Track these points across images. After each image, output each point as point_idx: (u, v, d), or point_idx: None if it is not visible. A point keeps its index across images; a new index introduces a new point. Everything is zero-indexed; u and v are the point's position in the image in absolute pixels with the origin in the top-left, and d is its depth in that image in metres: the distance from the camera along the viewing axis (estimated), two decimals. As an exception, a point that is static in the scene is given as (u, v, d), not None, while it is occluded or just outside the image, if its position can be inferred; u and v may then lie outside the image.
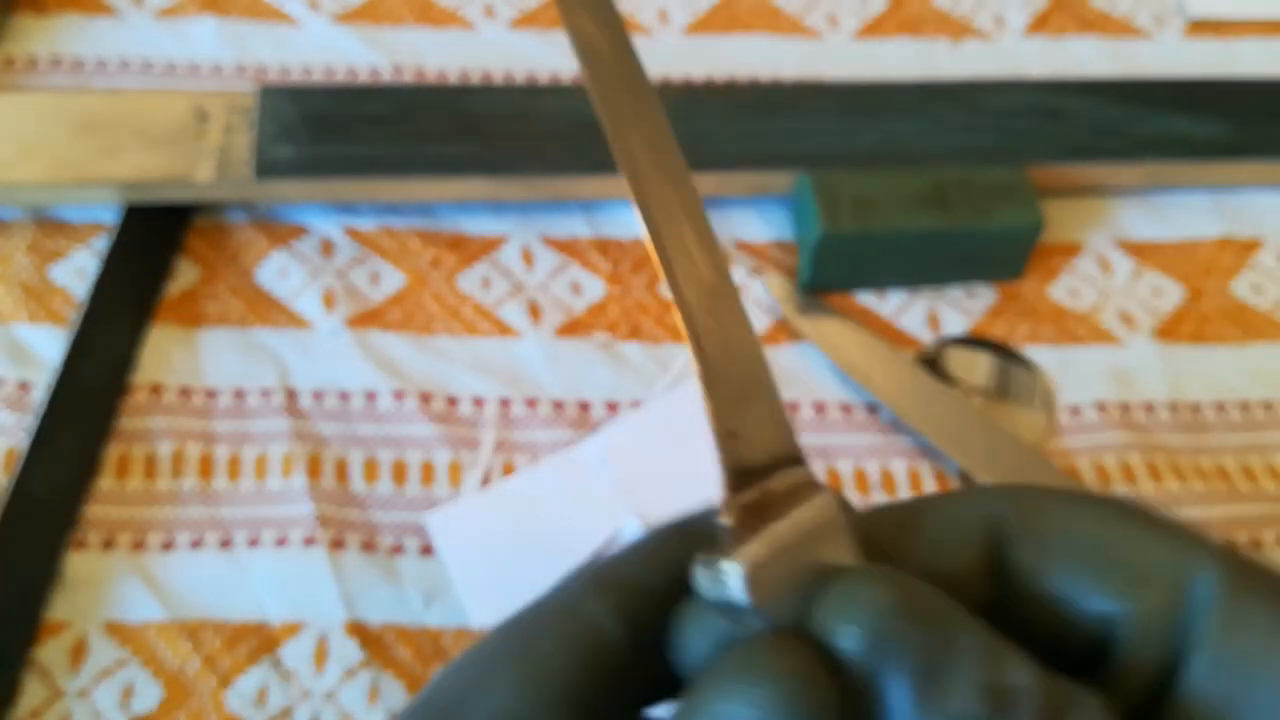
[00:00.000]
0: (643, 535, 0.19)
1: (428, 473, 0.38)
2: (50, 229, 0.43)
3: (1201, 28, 0.54)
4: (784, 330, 0.42)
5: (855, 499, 0.38)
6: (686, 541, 0.19)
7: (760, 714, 0.15)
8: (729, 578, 0.17)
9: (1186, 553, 0.17)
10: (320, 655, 0.34)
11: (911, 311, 0.43)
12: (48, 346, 0.40)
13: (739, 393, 0.18)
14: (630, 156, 0.20)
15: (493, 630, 0.18)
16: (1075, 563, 0.17)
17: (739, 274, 0.43)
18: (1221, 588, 0.17)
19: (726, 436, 0.18)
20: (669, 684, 0.18)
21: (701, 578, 0.17)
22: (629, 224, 0.44)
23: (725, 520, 0.17)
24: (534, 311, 0.42)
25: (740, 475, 0.18)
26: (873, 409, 0.40)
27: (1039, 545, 0.18)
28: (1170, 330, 0.43)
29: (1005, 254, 0.43)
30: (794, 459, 0.18)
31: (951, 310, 0.43)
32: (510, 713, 0.17)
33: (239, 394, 0.39)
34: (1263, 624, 0.16)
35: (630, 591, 0.18)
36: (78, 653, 0.33)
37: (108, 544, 0.36)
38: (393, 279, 0.43)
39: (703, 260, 0.19)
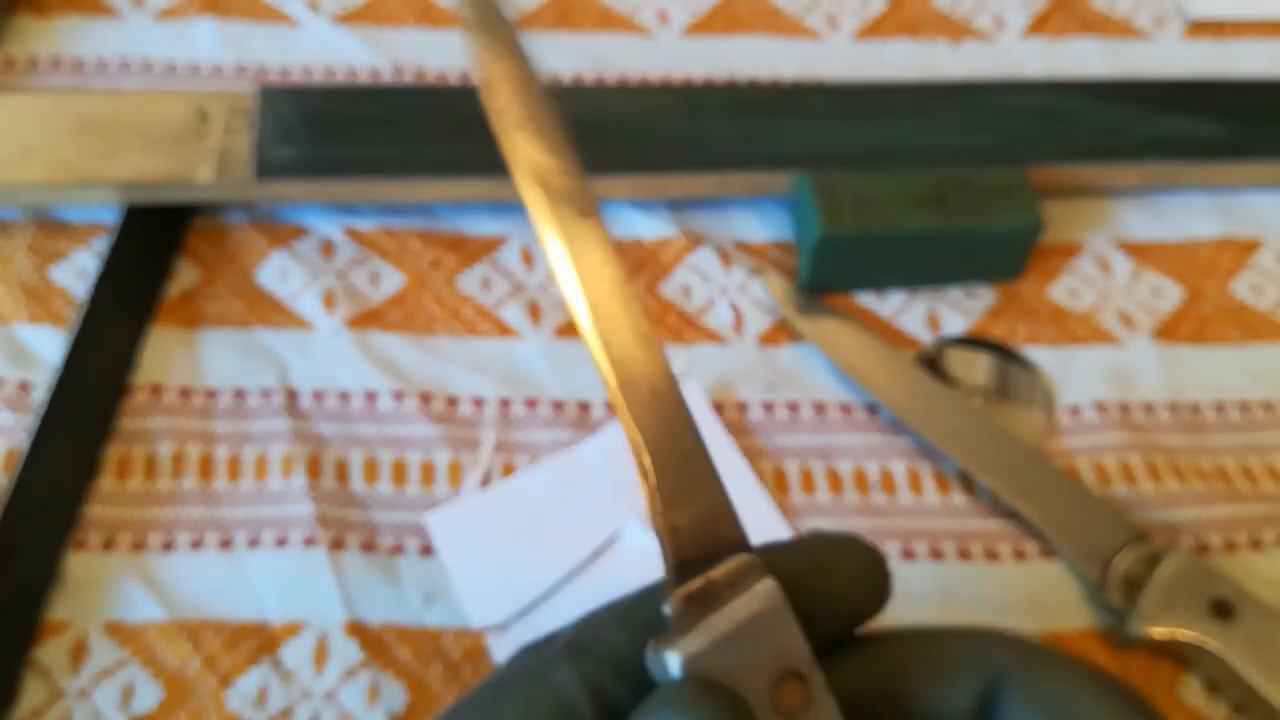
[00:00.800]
0: (616, 600, 0.20)
1: (428, 473, 0.38)
2: (50, 229, 0.43)
3: (1201, 28, 0.54)
4: (784, 330, 0.42)
5: (855, 499, 0.38)
6: (647, 606, 0.19)
7: None
8: (670, 666, 0.18)
9: None
10: (320, 655, 0.34)
11: (911, 312, 0.43)
12: (48, 347, 0.40)
13: (682, 488, 0.19)
14: (577, 270, 0.20)
15: (467, 694, 0.19)
16: None
17: (739, 274, 0.43)
18: None
19: (670, 532, 0.19)
20: None
21: (650, 663, 0.18)
22: (628, 224, 0.44)
23: (669, 610, 0.18)
24: (534, 312, 0.42)
25: (685, 567, 0.19)
26: (873, 409, 0.40)
27: (1034, 705, 0.18)
28: (1170, 330, 0.43)
29: (1005, 254, 0.43)
30: (738, 547, 0.19)
31: (951, 310, 0.43)
32: None
33: (239, 394, 0.39)
34: None
35: (599, 660, 0.18)
36: (78, 653, 0.33)
37: (108, 544, 0.36)
38: (393, 279, 0.43)
39: (644, 358, 0.20)
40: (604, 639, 0.19)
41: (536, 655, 0.19)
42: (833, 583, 0.20)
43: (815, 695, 0.18)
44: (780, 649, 0.18)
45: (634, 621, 0.19)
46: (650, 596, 0.20)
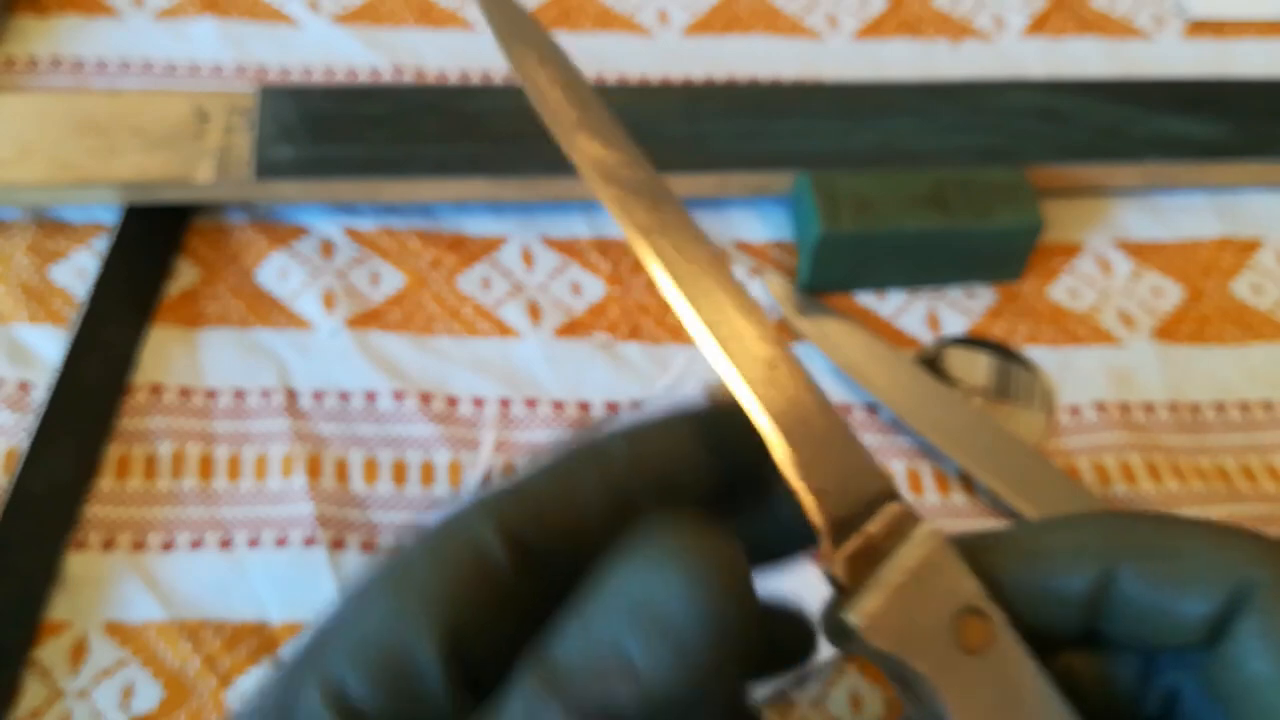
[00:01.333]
0: (535, 457, 0.19)
1: (428, 473, 0.38)
2: (50, 229, 0.43)
3: (1201, 28, 0.54)
4: (784, 330, 0.42)
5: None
6: (579, 461, 0.19)
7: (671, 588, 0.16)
8: (850, 630, 0.17)
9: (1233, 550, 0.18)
10: (320, 655, 0.34)
11: (911, 311, 0.43)
12: (48, 346, 0.40)
13: (818, 451, 0.19)
14: (668, 263, 0.20)
15: (383, 555, 0.18)
16: (1178, 579, 0.18)
17: (739, 274, 0.43)
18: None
19: (819, 495, 0.18)
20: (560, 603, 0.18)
21: (828, 631, 0.18)
22: (629, 224, 0.44)
23: (837, 576, 0.18)
24: (534, 312, 0.42)
25: (839, 528, 0.18)
26: (873, 409, 0.40)
27: (1146, 571, 0.18)
28: (1170, 330, 0.43)
29: (1005, 254, 0.43)
30: (887, 495, 0.18)
31: (951, 310, 0.43)
32: (380, 634, 0.17)
33: (239, 394, 0.39)
34: None
35: (519, 512, 0.18)
36: (78, 653, 0.33)
37: (108, 544, 0.36)
38: (393, 279, 0.43)
39: (753, 336, 0.19)
40: (521, 488, 0.19)
41: (450, 515, 0.19)
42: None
43: (998, 631, 0.18)
44: (953, 589, 0.18)
45: (556, 470, 0.19)
46: (562, 457, 0.19)
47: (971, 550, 0.19)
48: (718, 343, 0.19)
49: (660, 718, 0.16)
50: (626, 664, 0.16)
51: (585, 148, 0.20)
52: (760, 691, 0.33)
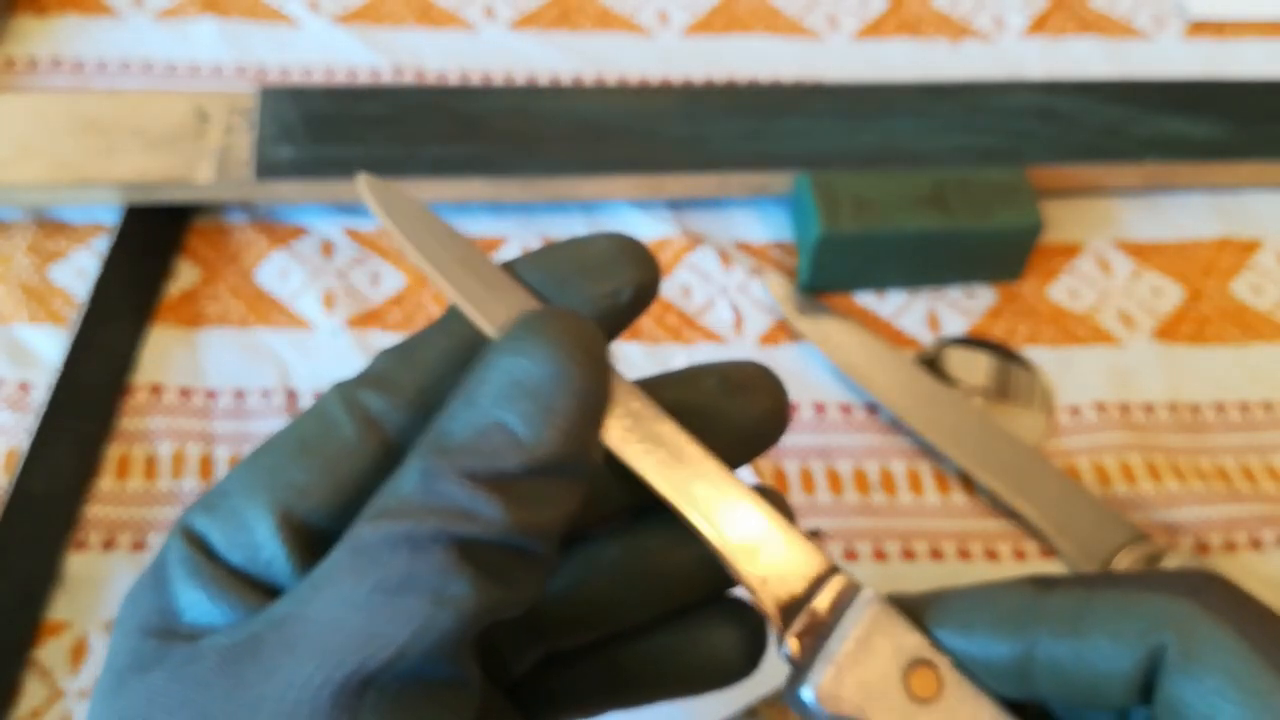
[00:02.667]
0: (404, 339, 0.21)
1: (428, 473, 0.38)
2: (50, 229, 0.43)
3: (1201, 28, 0.54)
4: (784, 330, 0.42)
5: (855, 499, 0.38)
6: (423, 333, 0.21)
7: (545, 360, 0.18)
8: (807, 703, 0.19)
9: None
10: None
11: (911, 312, 0.43)
12: (48, 346, 0.40)
13: (756, 547, 0.20)
14: (680, 493, 0.20)
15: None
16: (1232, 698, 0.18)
17: (739, 274, 0.43)
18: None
19: (760, 585, 0.20)
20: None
21: (791, 705, 0.20)
22: (629, 224, 0.44)
23: (791, 655, 0.19)
24: (534, 312, 0.42)
25: (786, 610, 0.20)
26: (872, 409, 0.40)
27: (1197, 689, 0.18)
28: (1170, 331, 0.43)
29: (1005, 254, 0.43)
30: (826, 572, 0.20)
31: (951, 311, 0.43)
32: (226, 493, 0.19)
33: (239, 394, 0.39)
34: None
35: (360, 381, 0.20)
36: (78, 653, 0.33)
37: (108, 544, 0.36)
38: (393, 279, 0.43)
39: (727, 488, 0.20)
40: (373, 368, 0.21)
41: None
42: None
43: (946, 677, 0.19)
44: (898, 646, 0.19)
45: (402, 344, 0.21)
46: (426, 337, 0.21)
47: (909, 610, 0.20)
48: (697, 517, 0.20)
49: (543, 478, 0.18)
50: (509, 433, 0.18)
51: (496, 316, 0.21)
52: (760, 693, 0.33)
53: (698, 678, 0.22)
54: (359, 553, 0.17)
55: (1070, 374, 0.41)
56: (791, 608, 0.20)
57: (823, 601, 0.20)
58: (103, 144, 0.42)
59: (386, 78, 0.49)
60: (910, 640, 0.19)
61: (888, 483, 0.38)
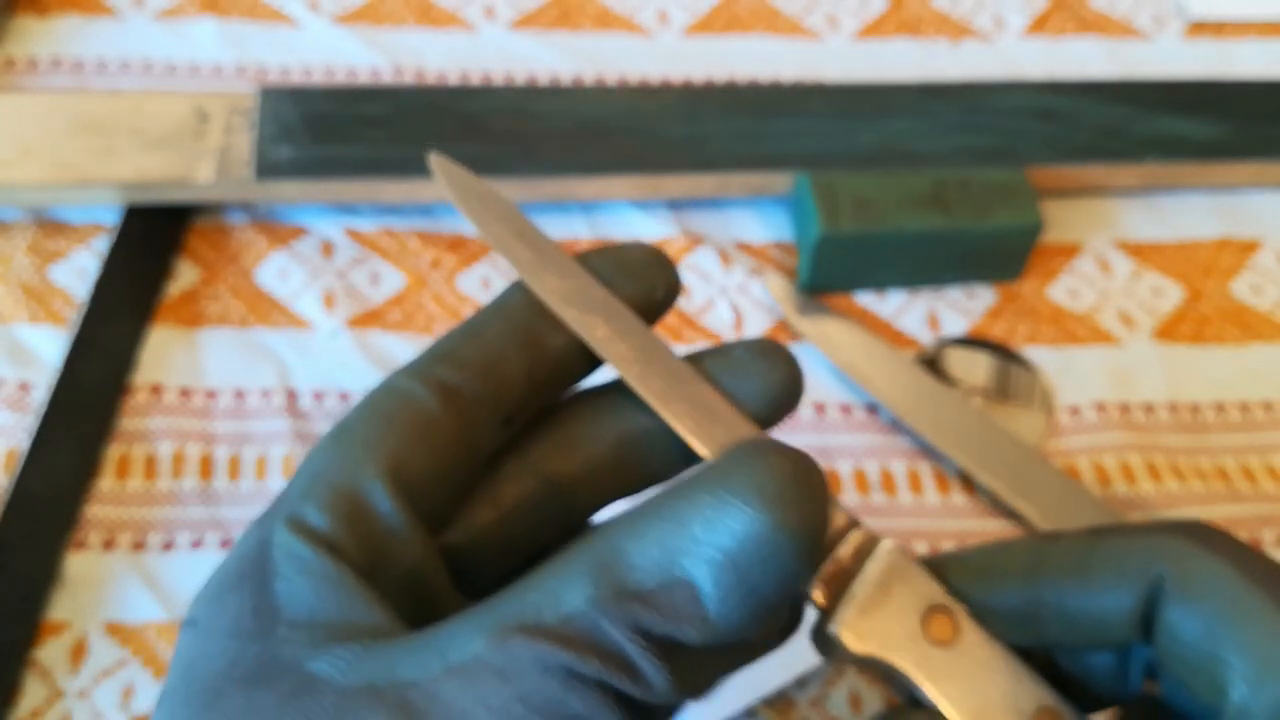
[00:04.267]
0: (470, 319, 0.22)
1: (428, 473, 0.38)
2: (50, 229, 0.43)
3: (1201, 28, 0.54)
4: (784, 330, 0.42)
5: (855, 499, 0.38)
6: (481, 314, 0.22)
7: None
8: (835, 643, 0.20)
9: None
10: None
11: (911, 312, 0.43)
12: (48, 347, 0.40)
13: None
14: (635, 363, 0.22)
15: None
16: (1225, 648, 0.19)
17: (739, 274, 0.43)
18: None
19: None
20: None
21: (817, 645, 0.21)
22: (629, 224, 0.44)
23: (816, 599, 0.20)
24: (534, 312, 0.42)
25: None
26: (872, 409, 0.40)
27: (1194, 614, 0.19)
28: (1170, 331, 0.43)
29: (1005, 254, 0.43)
30: (850, 524, 0.21)
31: (951, 311, 0.43)
32: (328, 473, 0.19)
33: (239, 394, 0.39)
34: None
35: (434, 360, 0.20)
36: (78, 653, 0.33)
37: (108, 544, 0.36)
38: (393, 279, 0.43)
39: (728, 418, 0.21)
40: (433, 346, 0.21)
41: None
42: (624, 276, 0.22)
43: (961, 623, 0.21)
44: (916, 592, 0.21)
45: (462, 326, 0.21)
46: (492, 316, 0.22)
47: (929, 565, 0.21)
48: (690, 432, 0.21)
49: (716, 652, 0.17)
50: (697, 599, 0.17)
51: (548, 283, 0.22)
52: (760, 692, 0.33)
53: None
54: (509, 660, 0.17)
55: (1070, 374, 0.41)
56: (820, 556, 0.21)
57: (845, 550, 0.21)
58: (103, 144, 0.42)
59: (386, 78, 0.49)
60: (928, 587, 0.21)
61: (888, 483, 0.38)
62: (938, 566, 0.21)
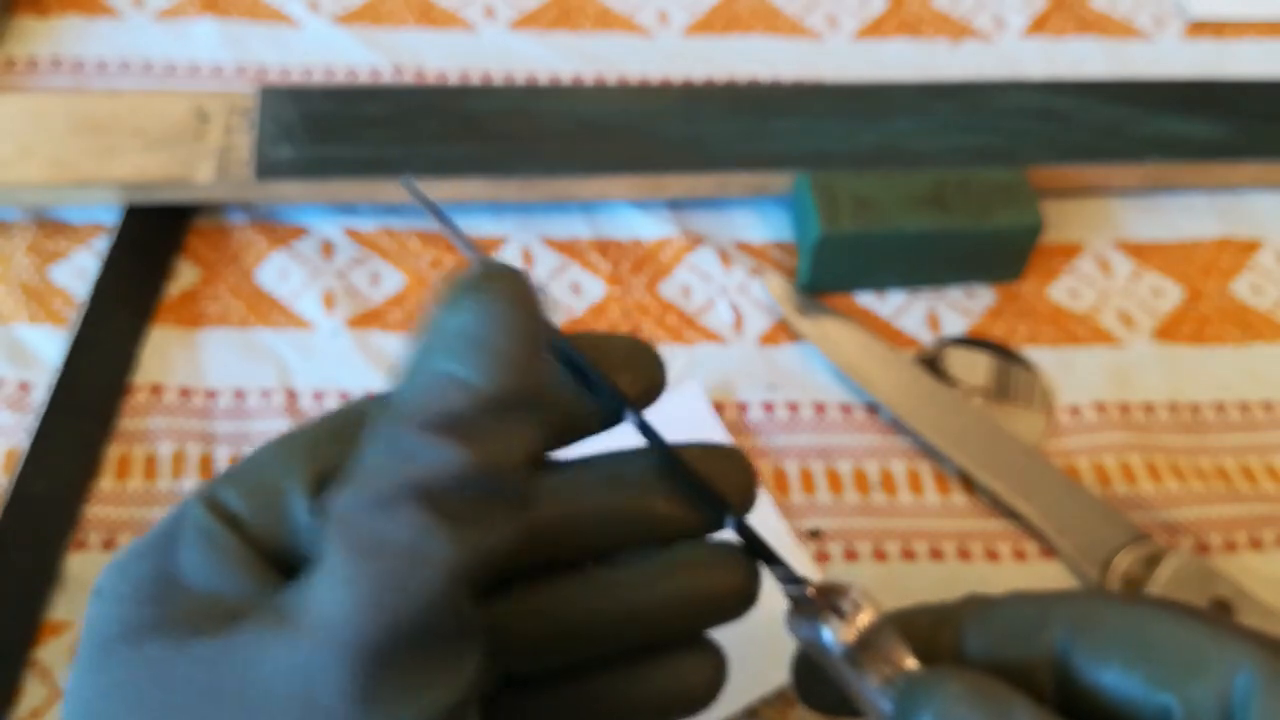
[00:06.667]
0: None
1: (428, 473, 0.38)
2: (50, 229, 0.43)
3: (1201, 28, 0.54)
4: (784, 330, 0.42)
5: (855, 499, 0.38)
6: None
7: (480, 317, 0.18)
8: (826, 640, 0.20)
9: (1230, 646, 0.18)
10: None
11: (911, 312, 0.43)
12: (48, 347, 0.40)
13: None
14: None
15: None
16: (1131, 663, 0.19)
17: (739, 274, 0.43)
18: (1262, 675, 0.18)
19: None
20: None
21: (796, 628, 0.21)
22: (629, 224, 0.44)
23: (807, 594, 0.21)
24: (534, 312, 0.42)
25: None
26: (872, 409, 0.40)
27: (1098, 648, 0.19)
28: (1170, 331, 0.43)
29: (1005, 254, 0.43)
30: (881, 618, 0.21)
31: (951, 311, 0.43)
32: (258, 467, 0.20)
33: (239, 394, 0.39)
34: None
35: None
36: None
37: (108, 544, 0.36)
38: (393, 279, 0.43)
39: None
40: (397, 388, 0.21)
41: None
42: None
43: None
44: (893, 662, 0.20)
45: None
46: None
47: (933, 619, 0.21)
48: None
49: (498, 417, 0.18)
50: (458, 381, 0.18)
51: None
52: (761, 692, 0.33)
53: (663, 706, 0.22)
54: (340, 525, 0.17)
55: (1070, 374, 0.41)
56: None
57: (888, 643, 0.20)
58: (102, 144, 0.42)
59: (386, 78, 0.49)
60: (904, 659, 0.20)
61: (888, 483, 0.38)
62: (941, 621, 0.21)
